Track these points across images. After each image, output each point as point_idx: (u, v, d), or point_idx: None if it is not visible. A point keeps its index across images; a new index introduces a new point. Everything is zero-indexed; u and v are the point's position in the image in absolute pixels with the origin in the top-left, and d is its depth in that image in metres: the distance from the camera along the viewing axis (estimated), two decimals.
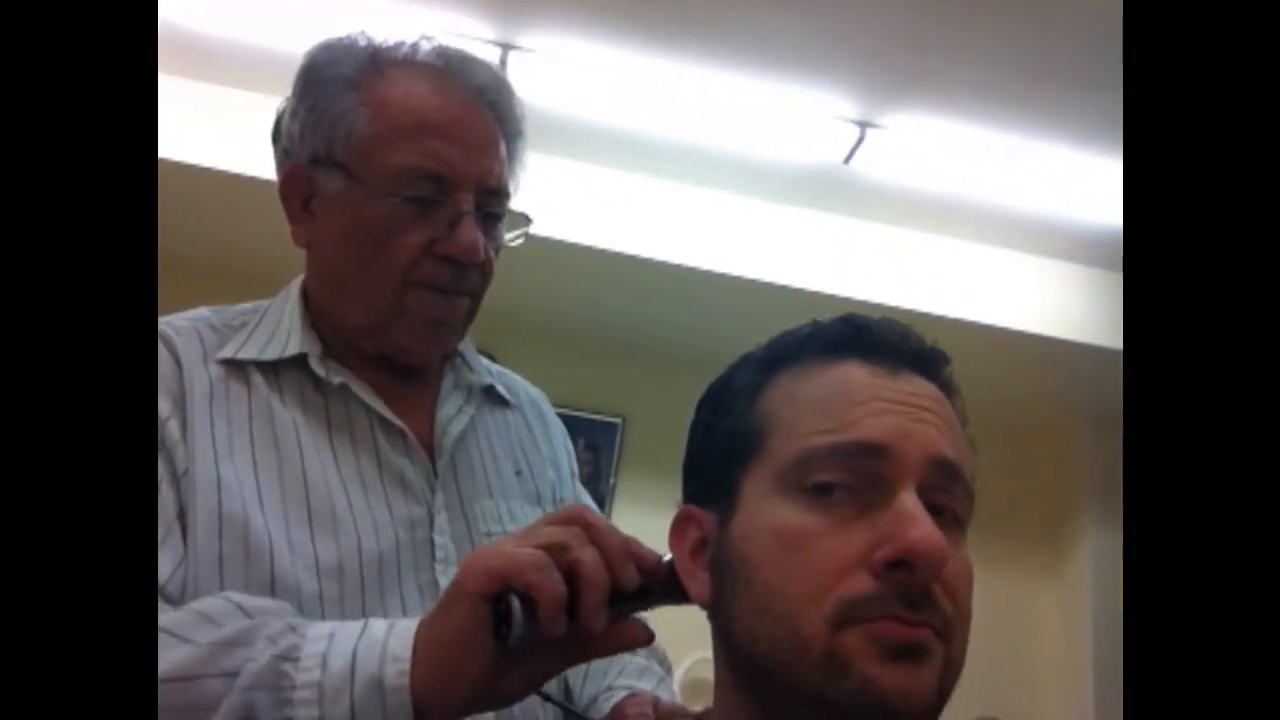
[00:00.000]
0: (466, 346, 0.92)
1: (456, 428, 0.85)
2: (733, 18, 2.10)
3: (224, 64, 2.56)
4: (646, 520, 3.37)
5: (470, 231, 0.79)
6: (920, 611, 0.48)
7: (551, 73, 2.36)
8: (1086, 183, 2.42)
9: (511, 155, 0.86)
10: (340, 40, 0.84)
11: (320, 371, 0.80)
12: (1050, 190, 2.49)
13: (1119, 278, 2.70)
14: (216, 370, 0.76)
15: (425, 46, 0.83)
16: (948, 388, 0.56)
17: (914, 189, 2.55)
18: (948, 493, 0.52)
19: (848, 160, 2.45)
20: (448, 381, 0.88)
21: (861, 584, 0.48)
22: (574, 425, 3.47)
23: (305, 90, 0.82)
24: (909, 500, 0.49)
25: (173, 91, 2.55)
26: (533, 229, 3.05)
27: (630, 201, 2.70)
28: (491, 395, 0.92)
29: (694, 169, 2.64)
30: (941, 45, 2.08)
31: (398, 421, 0.80)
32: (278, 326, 0.82)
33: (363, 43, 0.83)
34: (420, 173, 0.77)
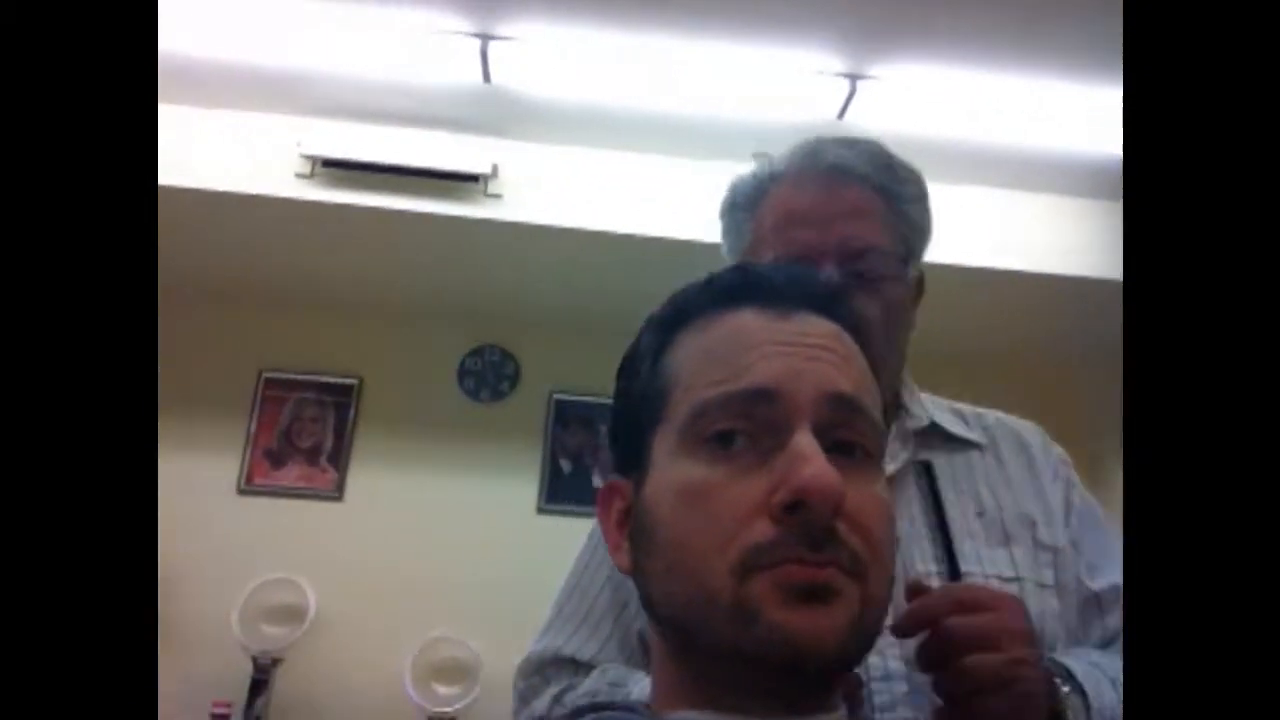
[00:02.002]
0: (908, 393, 0.91)
1: (890, 469, 0.84)
2: None
3: (214, 86, 2.54)
4: None
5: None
6: (823, 551, 0.47)
7: (534, 59, 2.33)
8: (1087, 115, 2.39)
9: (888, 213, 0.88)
10: None
11: None
12: (1050, 126, 2.46)
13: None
14: None
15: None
16: (852, 323, 0.56)
17: (911, 137, 2.52)
18: (850, 427, 0.51)
19: (841, 115, 2.43)
20: (892, 434, 0.87)
21: (763, 530, 0.47)
22: (595, 412, 3.49)
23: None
24: (802, 440, 0.48)
25: (167, 117, 2.53)
26: (540, 219, 3.01)
27: (641, 182, 2.68)
28: (944, 435, 0.89)
29: (701, 142, 2.62)
30: None
31: None
32: None
33: None
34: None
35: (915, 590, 0.66)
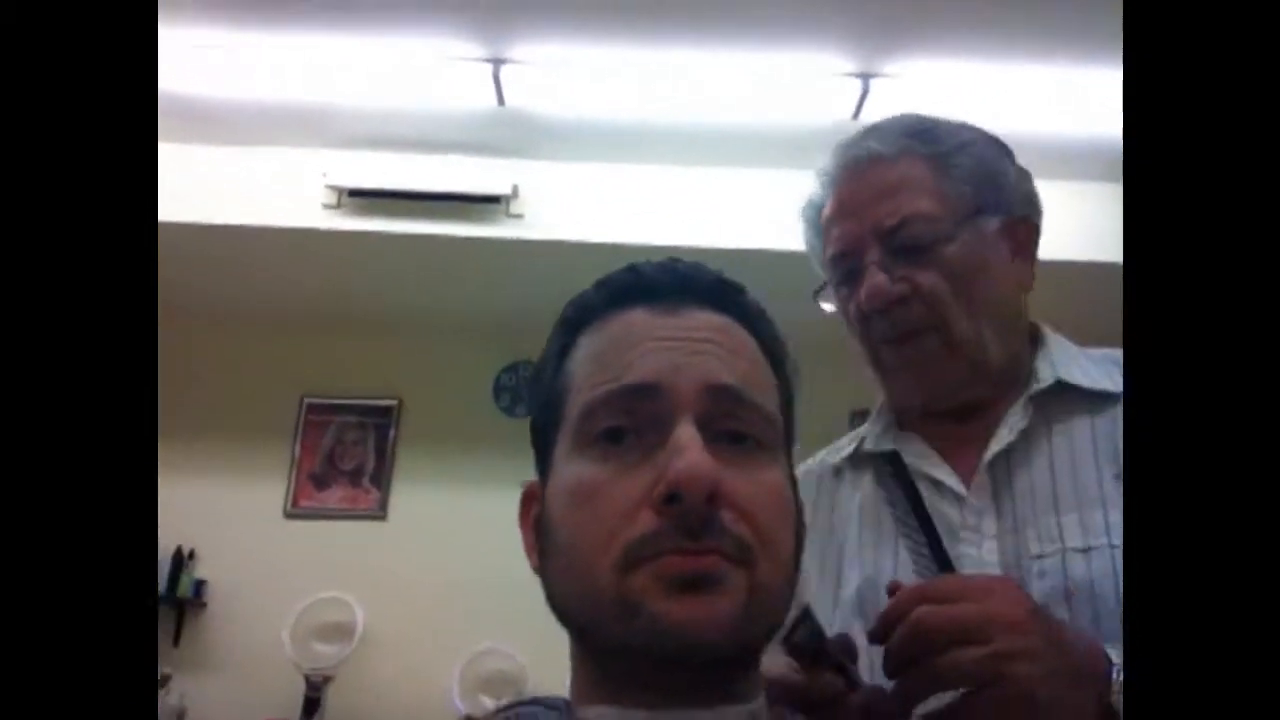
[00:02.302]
0: (1041, 352, 0.83)
1: (995, 449, 0.80)
2: None
3: (243, 126, 2.62)
4: None
5: (870, 278, 0.80)
6: (703, 540, 0.47)
7: (545, 79, 2.37)
8: (1102, 99, 2.36)
9: (936, 186, 0.83)
10: None
11: (869, 445, 0.86)
12: (1068, 111, 2.43)
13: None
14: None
15: None
16: (747, 315, 0.56)
17: None
18: (736, 418, 0.51)
19: (856, 115, 2.43)
20: (1019, 404, 0.82)
21: (645, 523, 0.48)
22: None
23: None
24: (682, 432, 0.49)
25: (200, 158, 2.63)
26: (564, 236, 3.04)
27: (658, 193, 2.70)
28: (1080, 392, 0.81)
29: (716, 150, 2.63)
30: None
31: (933, 473, 0.82)
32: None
33: None
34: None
35: (892, 591, 0.63)
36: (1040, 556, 0.74)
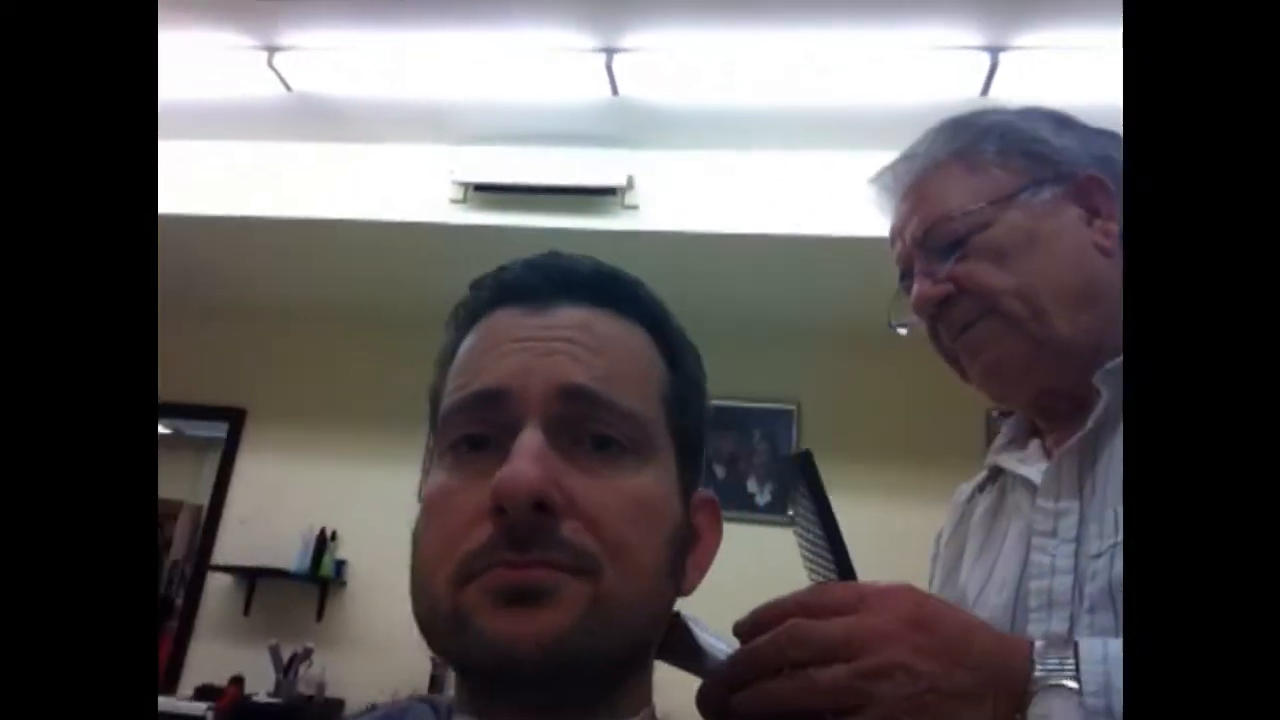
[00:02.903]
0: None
1: (1070, 442, 0.75)
2: None
3: (371, 123, 2.76)
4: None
5: (916, 288, 0.80)
6: (531, 551, 0.45)
7: (658, 67, 2.36)
8: None
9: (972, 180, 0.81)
10: None
11: (990, 459, 0.85)
12: None
13: None
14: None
15: None
16: (633, 309, 0.53)
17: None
18: (596, 420, 0.48)
19: (985, 91, 2.29)
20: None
21: (480, 535, 0.46)
22: (747, 416, 3.47)
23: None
24: (523, 438, 0.47)
25: (300, 154, 2.78)
26: (681, 226, 3.04)
27: (769, 183, 2.65)
28: None
29: (835, 134, 2.56)
30: None
31: (1020, 471, 0.79)
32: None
33: None
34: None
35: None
36: (1097, 556, 0.68)
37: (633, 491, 0.49)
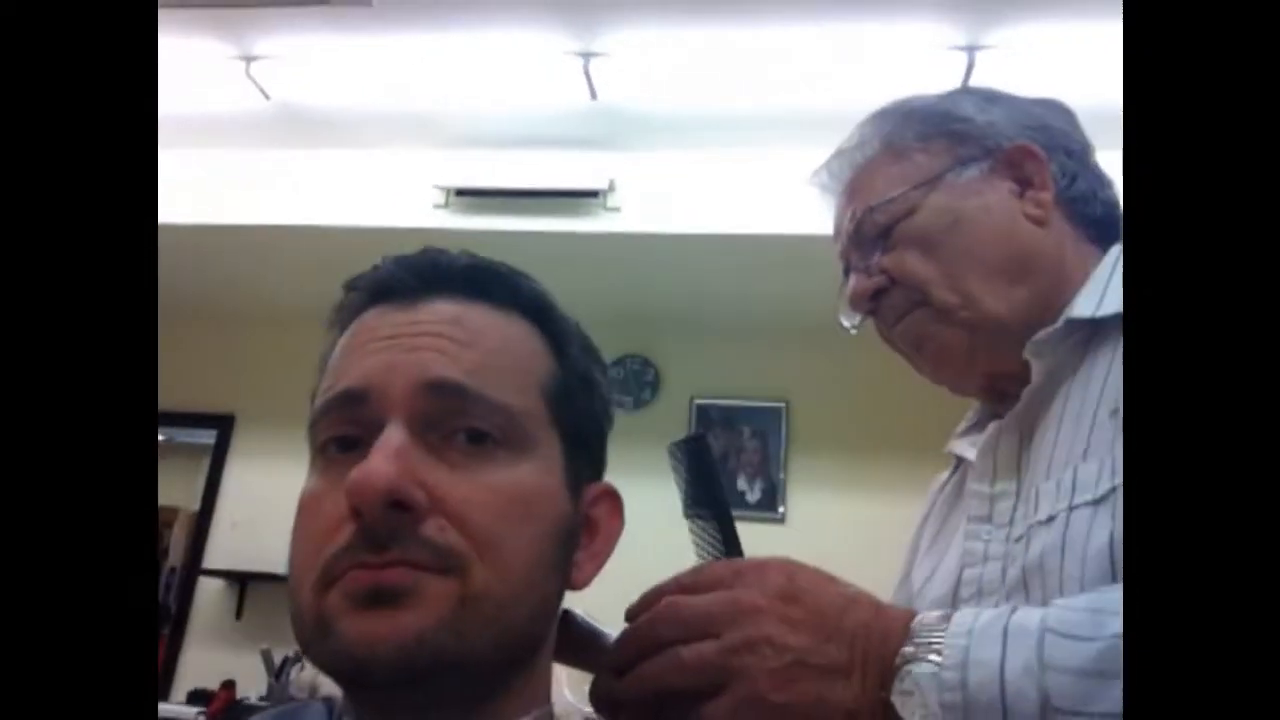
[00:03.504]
0: (1086, 288, 0.72)
1: (1004, 422, 0.73)
2: None
3: (353, 129, 2.76)
4: (819, 500, 3.29)
5: (848, 284, 0.79)
6: (388, 551, 0.44)
7: (634, 70, 2.37)
8: None
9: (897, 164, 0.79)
10: None
11: (948, 445, 0.84)
12: None
13: None
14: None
15: None
16: (511, 301, 0.53)
17: None
18: (466, 414, 0.48)
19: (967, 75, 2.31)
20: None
21: (342, 538, 0.45)
22: (737, 414, 3.48)
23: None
24: (383, 436, 0.46)
25: (281, 160, 2.78)
26: (665, 228, 3.04)
27: (750, 181, 2.66)
28: (1104, 324, 0.69)
29: (816, 132, 2.56)
30: None
31: (968, 456, 0.78)
32: None
33: None
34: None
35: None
36: (1019, 539, 0.66)
37: (507, 486, 0.48)
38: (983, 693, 0.47)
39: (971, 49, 2.20)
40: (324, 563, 0.45)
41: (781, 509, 3.14)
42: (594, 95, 2.44)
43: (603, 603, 0.60)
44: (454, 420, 0.48)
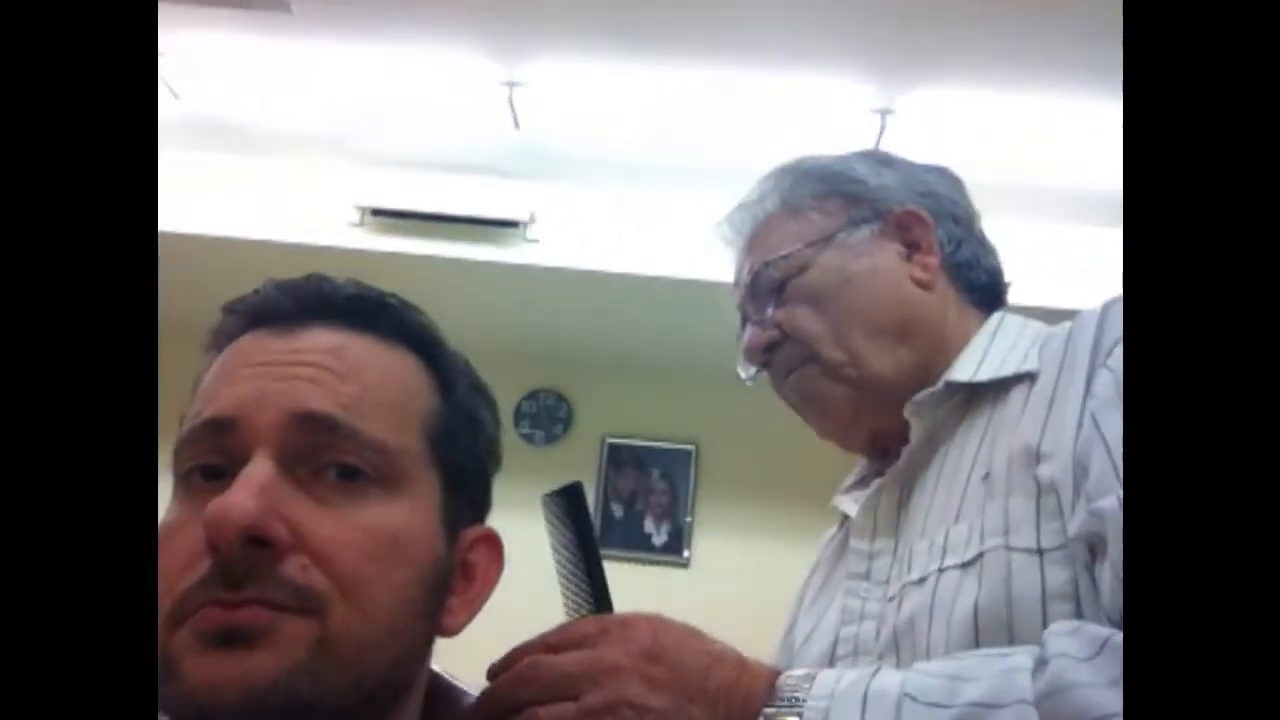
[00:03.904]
0: (965, 353, 0.74)
1: (883, 481, 0.75)
2: (729, 17, 2.06)
3: (269, 140, 2.67)
4: (725, 545, 3.28)
5: (748, 333, 0.81)
6: (243, 589, 0.42)
7: (557, 103, 2.36)
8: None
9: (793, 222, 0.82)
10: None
11: (833, 501, 0.84)
12: (1101, 156, 2.34)
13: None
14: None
15: None
16: (397, 333, 0.52)
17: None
18: (337, 449, 0.46)
19: (879, 141, 2.37)
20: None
21: (196, 573, 0.43)
22: (647, 455, 3.46)
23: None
24: (248, 468, 0.44)
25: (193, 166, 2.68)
26: (585, 264, 3.03)
27: (672, 223, 2.67)
28: (988, 385, 0.70)
29: (738, 179, 2.59)
30: (954, 14, 1.99)
31: (848, 510, 0.79)
32: None
33: None
34: None
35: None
36: (892, 599, 0.67)
37: (377, 526, 0.46)
38: None
39: (885, 112, 2.26)
40: (176, 598, 0.43)
41: (687, 553, 3.12)
42: (517, 125, 2.42)
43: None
44: (325, 455, 0.46)
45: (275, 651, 0.42)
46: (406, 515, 0.48)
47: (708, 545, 3.12)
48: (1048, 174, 2.45)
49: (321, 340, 0.50)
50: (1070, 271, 2.55)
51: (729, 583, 2.87)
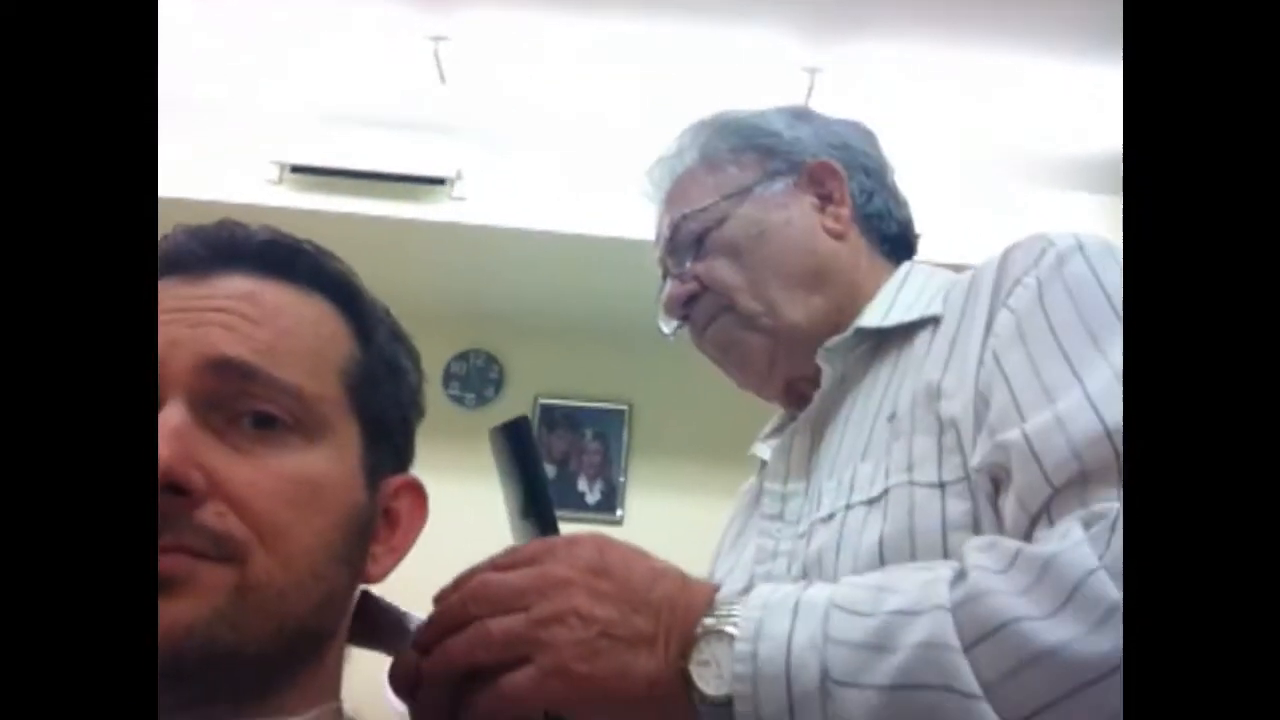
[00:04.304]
0: (876, 300, 0.75)
1: (796, 424, 0.76)
2: None
3: (183, 94, 2.54)
4: (658, 503, 3.32)
5: (668, 286, 0.82)
6: (160, 538, 0.42)
7: (485, 57, 2.30)
8: (1073, 101, 2.31)
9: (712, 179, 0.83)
10: None
11: (752, 449, 0.86)
12: (1035, 112, 2.39)
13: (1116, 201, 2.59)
14: None
15: None
16: (313, 280, 0.52)
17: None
18: (253, 395, 0.46)
19: (808, 97, 2.38)
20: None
21: None
22: (581, 416, 3.47)
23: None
24: (162, 415, 0.44)
25: None
26: (513, 222, 2.99)
27: (602, 180, 2.64)
28: (893, 331, 0.73)
29: (664, 136, 2.58)
30: None
31: (764, 456, 0.81)
32: None
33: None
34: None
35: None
36: (801, 536, 0.69)
37: (294, 472, 0.46)
38: (769, 664, 0.49)
39: (814, 70, 2.26)
40: None
41: (620, 511, 3.14)
42: (443, 79, 2.36)
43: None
44: (240, 402, 0.46)
45: (194, 599, 0.42)
46: (326, 462, 0.48)
47: (641, 503, 3.14)
48: (984, 132, 2.49)
49: (235, 286, 0.49)
50: (1005, 232, 2.61)
51: (662, 539, 2.83)
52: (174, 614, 0.42)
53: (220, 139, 2.62)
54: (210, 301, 0.48)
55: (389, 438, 0.54)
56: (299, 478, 0.46)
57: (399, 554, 0.54)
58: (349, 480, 0.50)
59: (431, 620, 0.53)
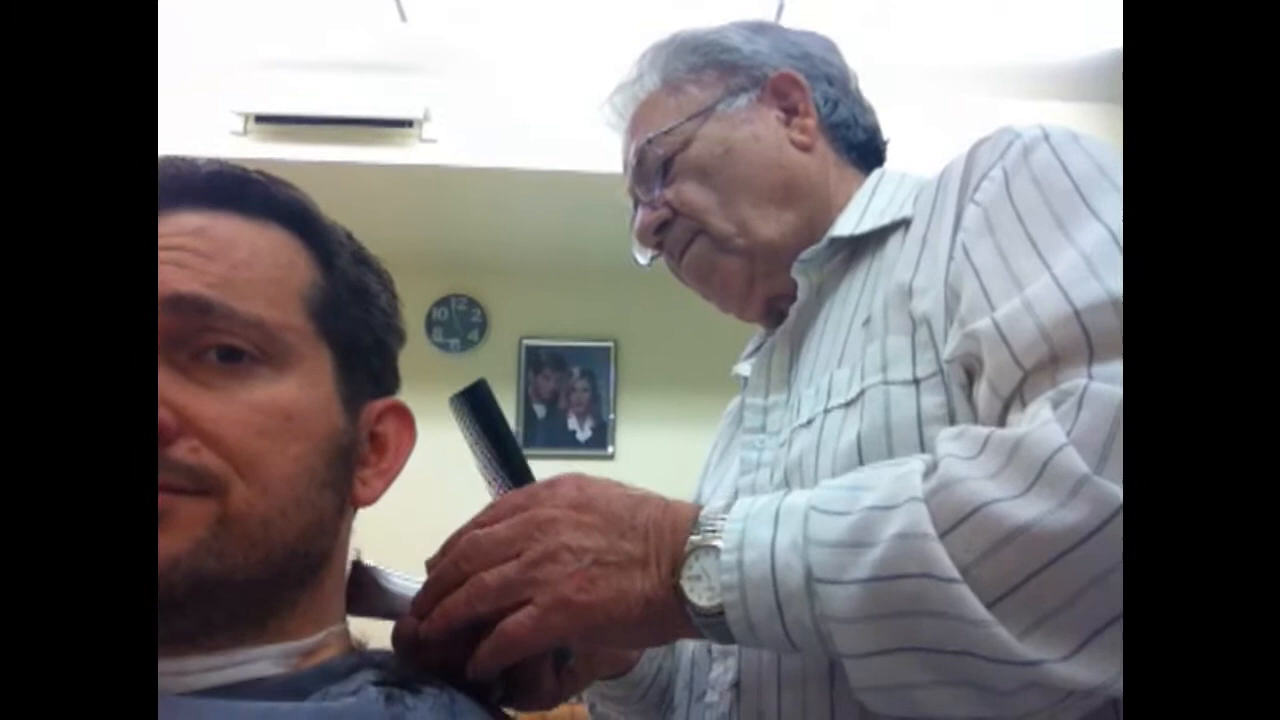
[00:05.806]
0: (844, 215, 0.74)
1: (774, 338, 0.76)
2: None
3: None
4: (648, 438, 3.33)
5: (639, 214, 0.81)
6: None
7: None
8: (1044, 7, 2.27)
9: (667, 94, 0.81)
10: None
11: (734, 369, 0.85)
12: (1005, 20, 2.34)
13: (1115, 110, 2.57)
14: None
15: None
16: (267, 211, 0.52)
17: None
18: (215, 330, 0.47)
19: (779, 15, 2.32)
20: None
21: None
22: (566, 354, 3.46)
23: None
24: None
25: None
26: (486, 162, 2.93)
27: (574, 114, 2.58)
28: (866, 238, 0.72)
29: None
30: None
31: (745, 374, 0.80)
32: None
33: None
34: None
35: None
36: (782, 444, 0.69)
37: (265, 402, 0.47)
38: (755, 570, 0.50)
39: None
40: None
41: (611, 448, 3.16)
42: (403, 16, 2.29)
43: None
44: (202, 338, 0.46)
45: (176, 533, 0.43)
46: (297, 390, 0.48)
47: (632, 438, 3.16)
48: (953, 43, 2.44)
49: (184, 222, 0.48)
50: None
51: (656, 472, 2.89)
52: (159, 549, 0.42)
53: (181, 91, 2.55)
54: (168, 239, 0.47)
55: (364, 362, 0.54)
56: (270, 407, 0.47)
57: (389, 477, 0.54)
58: (324, 406, 0.50)
59: (427, 585, 0.54)
